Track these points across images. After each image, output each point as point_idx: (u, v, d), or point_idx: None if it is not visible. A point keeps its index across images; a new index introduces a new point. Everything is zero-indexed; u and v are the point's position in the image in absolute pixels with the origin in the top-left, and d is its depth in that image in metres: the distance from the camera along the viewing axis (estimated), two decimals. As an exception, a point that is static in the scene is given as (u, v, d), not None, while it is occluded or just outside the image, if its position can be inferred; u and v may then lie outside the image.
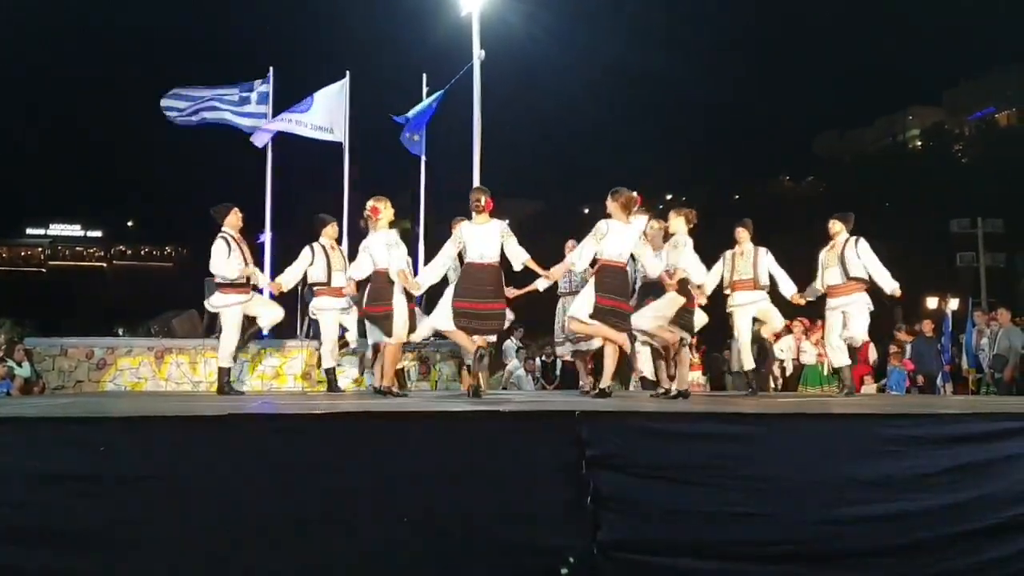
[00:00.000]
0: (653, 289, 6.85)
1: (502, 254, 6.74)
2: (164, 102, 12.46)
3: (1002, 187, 40.98)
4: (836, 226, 7.98)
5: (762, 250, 7.98)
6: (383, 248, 6.92)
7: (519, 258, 6.74)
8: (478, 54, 12.16)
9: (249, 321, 7.82)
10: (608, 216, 6.67)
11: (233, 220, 7.71)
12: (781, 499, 3.65)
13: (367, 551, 3.39)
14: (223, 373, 7.59)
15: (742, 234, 8.03)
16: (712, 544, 3.56)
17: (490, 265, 6.61)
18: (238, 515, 3.38)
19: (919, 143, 68.75)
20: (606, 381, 6.58)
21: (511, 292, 6.89)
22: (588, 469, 3.56)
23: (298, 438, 3.63)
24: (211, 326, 10.61)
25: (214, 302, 7.64)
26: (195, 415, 3.96)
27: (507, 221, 6.92)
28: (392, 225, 7.29)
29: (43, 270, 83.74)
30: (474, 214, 6.74)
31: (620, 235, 6.52)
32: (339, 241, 8.79)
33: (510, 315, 7.70)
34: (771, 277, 7.94)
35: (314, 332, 11.39)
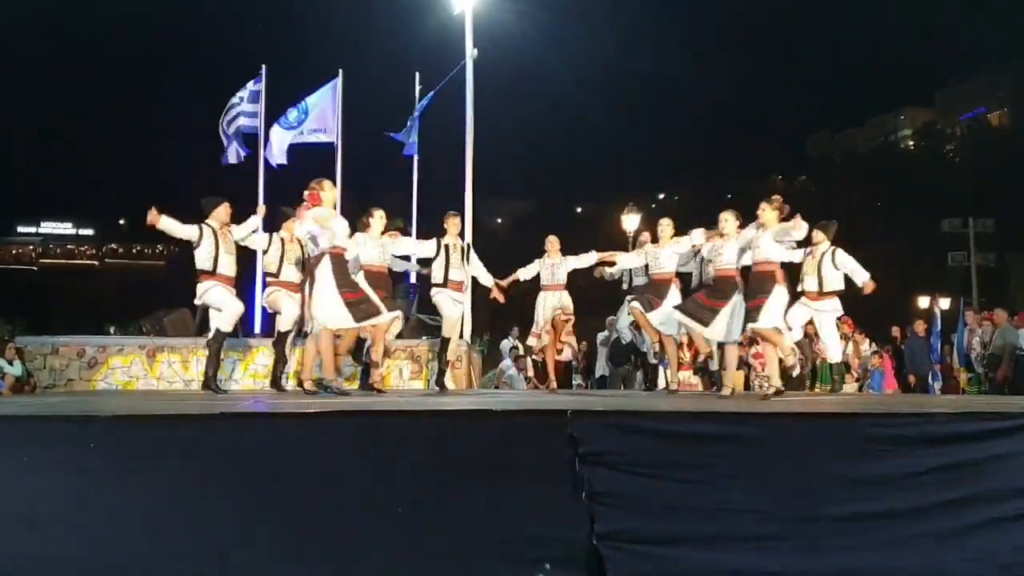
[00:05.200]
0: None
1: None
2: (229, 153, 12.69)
3: (993, 187, 41.14)
4: (818, 236, 8.09)
5: None
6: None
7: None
8: (471, 52, 12.17)
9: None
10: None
11: (221, 214, 7.50)
12: (773, 495, 3.68)
13: (359, 551, 3.40)
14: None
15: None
16: (706, 537, 3.59)
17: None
18: (230, 514, 3.38)
19: (911, 143, 68.87)
20: (776, 380, 6.84)
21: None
22: (582, 465, 3.59)
23: (289, 437, 3.63)
24: (203, 325, 10.58)
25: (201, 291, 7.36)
26: (188, 414, 3.95)
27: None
28: (386, 226, 7.46)
29: (34, 268, 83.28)
30: None
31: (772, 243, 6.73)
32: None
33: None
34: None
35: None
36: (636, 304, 7.89)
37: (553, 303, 8.50)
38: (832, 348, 8.41)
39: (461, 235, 8.51)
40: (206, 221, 7.48)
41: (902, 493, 3.77)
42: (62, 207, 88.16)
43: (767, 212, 6.76)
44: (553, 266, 8.50)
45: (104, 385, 9.26)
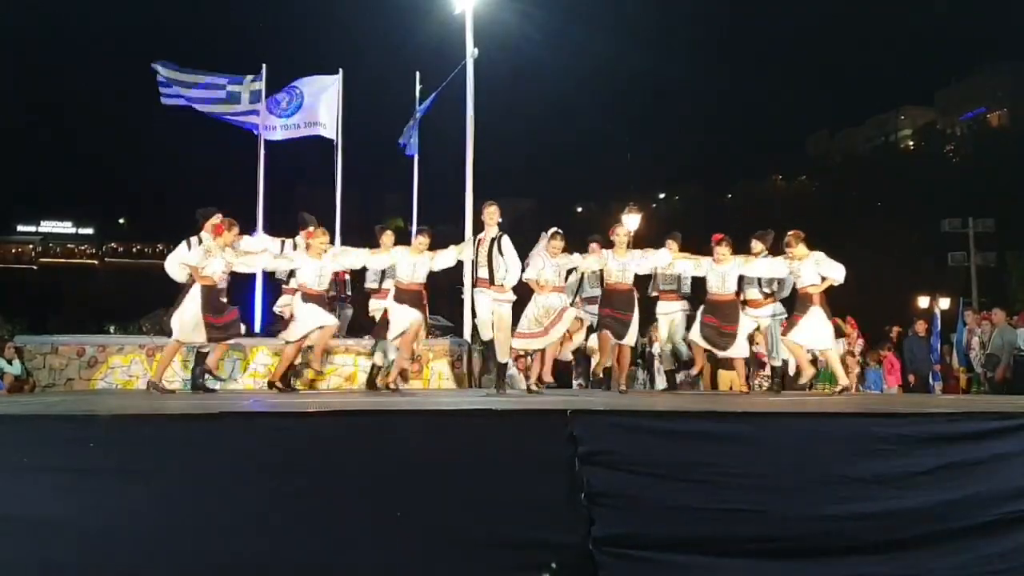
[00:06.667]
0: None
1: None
2: (160, 71, 12.56)
3: (993, 187, 41.08)
4: (757, 246, 8.16)
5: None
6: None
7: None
8: (471, 52, 12.16)
9: None
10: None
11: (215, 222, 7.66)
12: (772, 495, 3.68)
13: (358, 551, 3.39)
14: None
15: (671, 246, 8.23)
16: (706, 539, 3.58)
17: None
18: (230, 514, 3.38)
19: (911, 143, 68.83)
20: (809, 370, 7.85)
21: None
22: (581, 465, 3.58)
23: (289, 436, 3.62)
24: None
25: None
26: (188, 414, 3.95)
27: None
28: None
29: (34, 267, 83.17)
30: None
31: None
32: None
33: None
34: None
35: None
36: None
37: (547, 304, 7.76)
38: (779, 351, 8.24)
39: (500, 227, 7.81)
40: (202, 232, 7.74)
41: (902, 493, 3.77)
42: (62, 206, 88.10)
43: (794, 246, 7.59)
44: (558, 267, 7.77)
45: (104, 385, 9.26)
